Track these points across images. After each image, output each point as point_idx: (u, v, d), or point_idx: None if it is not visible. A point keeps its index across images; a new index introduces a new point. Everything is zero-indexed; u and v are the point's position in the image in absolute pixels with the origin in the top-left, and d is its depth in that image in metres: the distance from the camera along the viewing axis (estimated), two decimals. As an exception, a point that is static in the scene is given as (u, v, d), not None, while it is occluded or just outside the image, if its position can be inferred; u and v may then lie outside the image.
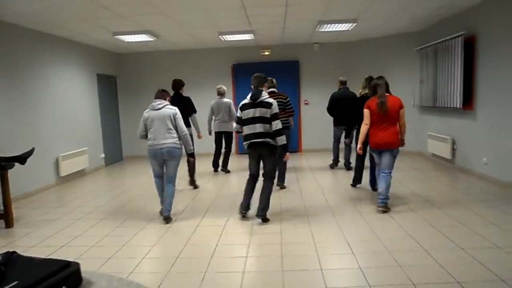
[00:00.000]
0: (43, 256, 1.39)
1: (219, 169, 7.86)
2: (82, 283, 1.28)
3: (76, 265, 1.29)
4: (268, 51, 10.03)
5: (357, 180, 6.15)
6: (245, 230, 4.41)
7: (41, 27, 6.70)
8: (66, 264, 1.26)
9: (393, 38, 9.10)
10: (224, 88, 7.71)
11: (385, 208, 4.84)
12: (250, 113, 4.55)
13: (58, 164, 7.28)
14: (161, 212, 4.98)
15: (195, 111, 6.63)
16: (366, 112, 4.93)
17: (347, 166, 7.58)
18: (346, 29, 7.90)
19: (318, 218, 4.74)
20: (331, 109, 7.50)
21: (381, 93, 4.80)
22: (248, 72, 9.97)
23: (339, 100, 7.33)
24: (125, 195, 6.35)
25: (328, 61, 10.02)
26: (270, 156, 4.64)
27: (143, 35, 7.68)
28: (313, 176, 7.10)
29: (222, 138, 7.68)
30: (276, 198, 5.68)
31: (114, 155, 9.91)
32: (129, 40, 8.18)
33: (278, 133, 4.48)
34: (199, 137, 6.94)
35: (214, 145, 7.74)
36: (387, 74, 7.82)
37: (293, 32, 8.34)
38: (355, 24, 7.42)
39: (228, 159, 7.88)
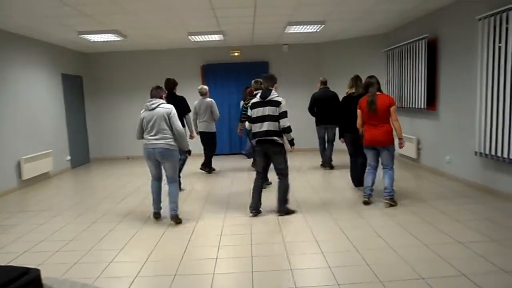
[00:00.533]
0: (3, 263, 1.33)
1: (204, 169, 7.83)
2: (42, 290, 1.23)
3: (36, 271, 1.24)
4: (237, 52, 10.03)
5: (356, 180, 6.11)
6: (215, 232, 4.39)
7: (2, 25, 6.43)
8: (25, 271, 1.21)
9: (360, 40, 9.29)
10: (205, 87, 7.60)
11: (392, 201, 5.00)
12: (259, 111, 4.70)
13: (20, 167, 7.01)
14: (155, 215, 4.92)
15: (189, 111, 6.48)
16: (358, 112, 5.13)
17: (329, 165, 7.73)
18: (314, 30, 8.00)
19: (288, 218, 4.77)
20: (311, 109, 7.57)
21: (372, 92, 4.93)
22: (217, 73, 10.02)
23: (319, 100, 7.44)
24: (91, 198, 6.19)
25: (297, 62, 10.11)
26: (277, 154, 4.76)
27: (109, 35, 7.51)
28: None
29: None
30: (247, 197, 5.68)
31: (81, 157, 9.64)
32: (95, 40, 7.98)
33: (287, 130, 4.66)
34: (191, 137, 6.76)
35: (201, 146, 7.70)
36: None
37: (263, 33, 8.37)
38: (323, 26, 7.53)
39: (210, 160, 7.83)
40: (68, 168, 8.95)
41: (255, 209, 4.93)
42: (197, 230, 4.47)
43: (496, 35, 5.04)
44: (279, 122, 4.63)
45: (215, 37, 8.38)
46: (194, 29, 7.61)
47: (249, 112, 4.84)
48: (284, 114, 4.63)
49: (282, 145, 4.75)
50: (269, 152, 4.77)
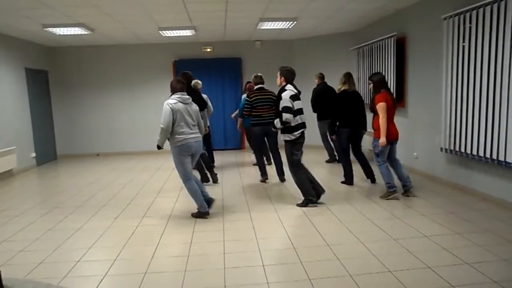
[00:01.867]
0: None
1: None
2: (2, 292, 1.18)
3: (-5, 272, 1.19)
4: (210, 48, 9.95)
5: (351, 177, 6.08)
6: (187, 229, 4.34)
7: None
8: (-17, 273, 1.16)
9: (332, 37, 9.40)
10: (200, 82, 7.46)
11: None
12: (299, 104, 4.86)
13: (-18, 164, 6.74)
14: (207, 214, 4.76)
15: (206, 106, 6.45)
16: (384, 105, 4.98)
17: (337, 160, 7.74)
18: (286, 27, 8.03)
19: (260, 214, 4.78)
20: (315, 104, 7.53)
21: (388, 88, 5.07)
22: (190, 68, 9.78)
23: (322, 94, 7.45)
24: (58, 196, 6.00)
25: (270, 59, 10.11)
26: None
27: (76, 28, 7.28)
28: (256, 171, 7.11)
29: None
30: (219, 194, 5.66)
31: (47, 154, 9.34)
32: (62, 33, 7.72)
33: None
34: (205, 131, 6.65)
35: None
36: (326, 71, 8.09)
37: (235, 29, 8.34)
38: (295, 22, 7.57)
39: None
40: (33, 166, 8.65)
41: (319, 195, 5.03)
42: (168, 228, 4.42)
43: (460, 34, 5.20)
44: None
45: (187, 33, 8.28)
46: (165, 24, 7.49)
47: (289, 104, 4.70)
48: None
49: None
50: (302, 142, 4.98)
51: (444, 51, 5.52)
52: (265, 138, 6.40)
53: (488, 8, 4.62)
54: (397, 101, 6.89)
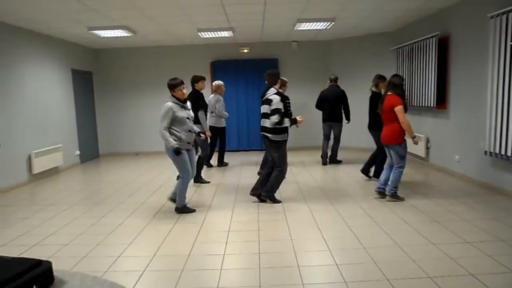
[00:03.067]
0: (14, 255, 1.36)
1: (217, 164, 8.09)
2: (54, 282, 1.25)
3: (48, 264, 1.26)
4: (247, 49, 10.02)
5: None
6: (223, 228, 4.41)
7: (12, 20, 6.50)
8: (37, 263, 1.23)
9: (370, 37, 9.23)
10: (216, 83, 7.74)
11: (382, 195, 5.27)
12: (262, 108, 5.09)
13: (31, 161, 7.09)
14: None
15: (202, 107, 6.54)
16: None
17: (331, 159, 7.95)
18: (324, 28, 7.96)
19: (295, 215, 4.78)
20: (317, 107, 7.89)
21: (387, 92, 5.14)
22: (227, 69, 10.01)
23: (325, 98, 7.71)
24: (100, 193, 6.24)
25: (307, 59, 10.08)
26: (270, 148, 5.16)
27: (119, 31, 7.54)
28: (291, 173, 7.11)
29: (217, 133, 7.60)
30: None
31: (90, 152, 9.73)
32: (105, 35, 8.02)
33: (274, 123, 4.96)
34: (204, 135, 6.18)
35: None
36: (364, 73, 7.97)
37: (272, 30, 8.36)
38: (333, 23, 7.50)
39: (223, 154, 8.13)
40: (78, 163, 9.03)
41: (253, 191, 5.36)
42: (204, 226, 4.50)
43: (508, 33, 4.97)
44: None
45: (225, 34, 8.38)
46: (204, 25, 7.62)
47: None
48: (274, 111, 4.89)
49: (274, 141, 5.03)
50: (265, 145, 5.23)
51: (490, 51, 5.30)
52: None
53: (538, 5, 4.40)
54: (439, 104, 6.78)
